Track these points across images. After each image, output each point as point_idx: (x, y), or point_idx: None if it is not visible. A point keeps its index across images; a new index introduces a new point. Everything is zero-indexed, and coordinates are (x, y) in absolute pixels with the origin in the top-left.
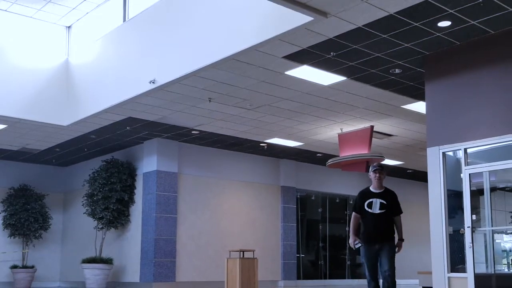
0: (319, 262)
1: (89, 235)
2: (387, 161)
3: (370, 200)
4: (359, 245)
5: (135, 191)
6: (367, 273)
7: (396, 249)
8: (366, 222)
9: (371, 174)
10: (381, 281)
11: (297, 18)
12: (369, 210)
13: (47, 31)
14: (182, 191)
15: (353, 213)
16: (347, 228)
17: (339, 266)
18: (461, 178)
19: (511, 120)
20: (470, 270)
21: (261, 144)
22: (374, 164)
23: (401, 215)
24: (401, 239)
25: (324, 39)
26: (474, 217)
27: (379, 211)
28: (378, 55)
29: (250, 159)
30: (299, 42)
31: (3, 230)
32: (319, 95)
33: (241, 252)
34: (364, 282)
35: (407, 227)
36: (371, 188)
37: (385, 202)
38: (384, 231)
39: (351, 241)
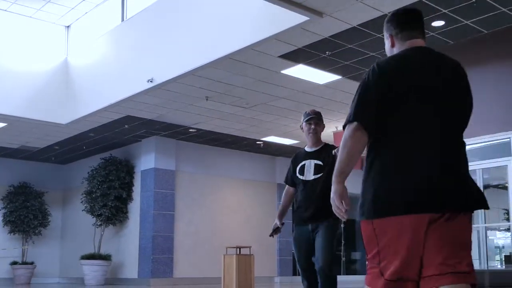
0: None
1: (87, 231)
2: None
3: (303, 163)
4: (276, 230)
5: (133, 188)
6: (298, 267)
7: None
8: (298, 195)
9: (304, 126)
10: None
11: (293, 18)
12: (301, 177)
13: (46, 31)
14: (180, 188)
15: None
16: (342, 225)
17: (335, 262)
18: None
19: (504, 118)
20: None
21: (257, 142)
22: (307, 112)
23: None
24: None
25: (320, 39)
26: None
27: (313, 177)
28: (373, 54)
29: (246, 157)
30: (295, 41)
31: (3, 227)
32: (315, 94)
33: (238, 249)
34: (360, 278)
35: None
36: (306, 148)
37: (321, 163)
38: (320, 204)
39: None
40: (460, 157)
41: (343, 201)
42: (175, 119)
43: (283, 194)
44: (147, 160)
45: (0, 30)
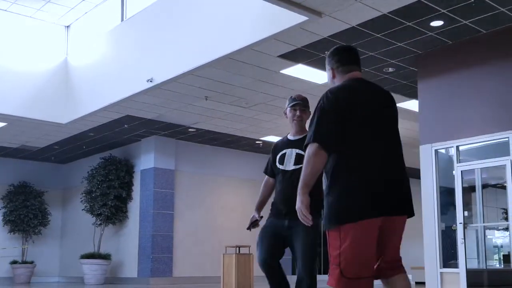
0: None
1: (87, 231)
2: None
3: (283, 151)
4: (254, 223)
5: (133, 187)
6: (258, 263)
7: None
8: (277, 186)
9: (288, 112)
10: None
11: (292, 18)
12: (280, 167)
13: (46, 31)
14: (179, 188)
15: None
16: None
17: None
18: (453, 175)
19: (502, 118)
20: (462, 265)
21: (256, 142)
22: (292, 97)
23: None
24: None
25: (319, 39)
26: (466, 213)
27: (293, 167)
28: (372, 54)
29: (246, 156)
30: (294, 41)
31: (3, 226)
32: (314, 94)
33: (237, 248)
34: None
35: None
36: (288, 136)
37: (303, 153)
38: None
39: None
40: (403, 172)
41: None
42: (175, 118)
43: (262, 185)
44: (147, 159)
45: (0, 30)
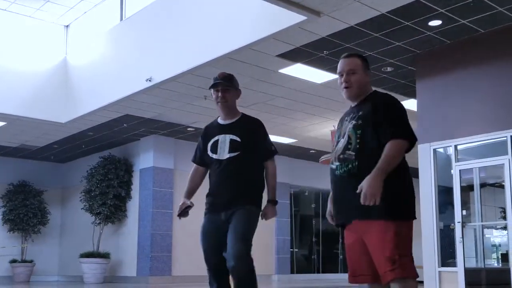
0: (312, 257)
1: (86, 230)
2: None
3: (215, 138)
4: (186, 209)
5: (132, 187)
6: (206, 266)
7: (262, 216)
8: (211, 177)
9: (212, 93)
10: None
11: (290, 17)
12: (214, 156)
13: (45, 30)
14: (178, 187)
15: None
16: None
17: (332, 260)
18: (452, 174)
19: (500, 117)
20: (460, 264)
21: None
22: (215, 76)
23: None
24: (272, 201)
25: (317, 38)
26: (464, 212)
27: (228, 155)
28: (370, 53)
29: None
30: (292, 41)
31: (3, 225)
32: (312, 93)
33: None
34: None
35: None
36: (218, 120)
37: (238, 139)
38: (236, 188)
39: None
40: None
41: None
42: (174, 118)
43: (189, 176)
44: (146, 158)
45: None
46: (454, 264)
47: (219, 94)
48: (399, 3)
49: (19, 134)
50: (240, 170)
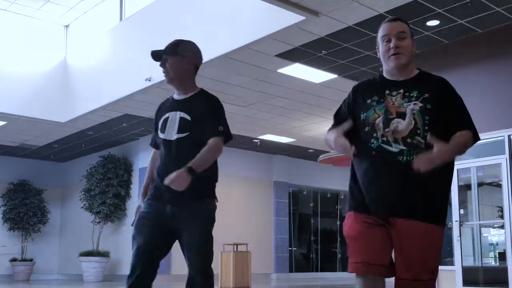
0: (311, 255)
1: (86, 229)
2: None
3: (166, 115)
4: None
5: (131, 186)
6: (131, 261)
7: (167, 179)
8: (158, 160)
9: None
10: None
11: (289, 18)
12: (162, 135)
13: (45, 30)
14: None
15: None
16: (338, 222)
17: (330, 259)
18: None
19: (498, 117)
20: (458, 263)
21: (254, 140)
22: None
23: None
24: (189, 169)
25: (316, 38)
26: (462, 211)
27: (176, 136)
28: (368, 53)
29: (243, 155)
30: (291, 40)
31: (3, 224)
32: (311, 93)
33: (235, 246)
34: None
35: None
36: (174, 95)
37: (188, 118)
38: None
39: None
40: None
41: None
42: None
43: (149, 162)
44: (145, 158)
45: (0, 30)
46: (451, 263)
47: (167, 65)
48: (397, 3)
49: (19, 134)
50: (189, 154)
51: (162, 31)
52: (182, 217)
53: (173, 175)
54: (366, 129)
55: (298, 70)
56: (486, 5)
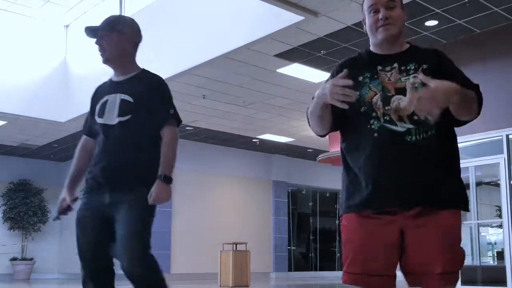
0: (310, 255)
1: None
2: None
3: (105, 98)
4: (66, 210)
5: None
6: (80, 261)
7: (150, 197)
8: (96, 147)
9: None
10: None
11: (288, 18)
12: (100, 120)
13: (45, 30)
14: (177, 185)
15: None
16: (337, 222)
17: (329, 258)
18: None
19: (496, 116)
20: None
21: (253, 140)
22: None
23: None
24: (164, 177)
25: (315, 38)
26: None
27: (117, 120)
28: None
29: (243, 154)
30: (290, 40)
31: (3, 223)
32: (310, 93)
33: (234, 245)
34: None
35: None
36: (112, 76)
37: (130, 100)
38: (125, 164)
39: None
40: None
41: None
42: None
43: (77, 150)
44: None
45: (0, 30)
46: None
47: (104, 44)
48: None
49: (20, 133)
50: (130, 139)
51: (161, 32)
52: (119, 205)
53: (153, 194)
54: (362, 109)
55: (297, 70)
56: (484, 5)
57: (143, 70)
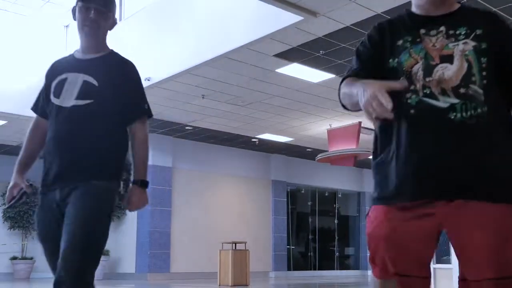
0: (309, 254)
1: None
2: None
3: (63, 76)
4: (21, 196)
5: (131, 185)
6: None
7: (125, 204)
8: (48, 132)
9: (77, 13)
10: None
11: (287, 18)
12: (55, 101)
13: (46, 30)
14: (177, 185)
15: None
16: (336, 221)
17: (328, 257)
18: None
19: None
20: (454, 261)
21: (252, 140)
22: None
23: None
24: (140, 182)
25: (314, 38)
26: None
27: (74, 102)
28: None
29: (242, 154)
30: (289, 40)
31: (3, 222)
32: (309, 92)
33: (233, 244)
34: (353, 273)
35: None
36: (75, 52)
37: (95, 83)
38: (77, 151)
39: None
40: None
41: None
42: (172, 117)
43: (29, 131)
44: None
45: (0, 30)
46: (448, 261)
47: (91, 14)
48: (395, 3)
49: (20, 133)
50: (88, 125)
51: (161, 32)
52: (70, 196)
53: (131, 201)
54: (399, 80)
55: (296, 70)
56: (483, 5)
57: (113, 51)
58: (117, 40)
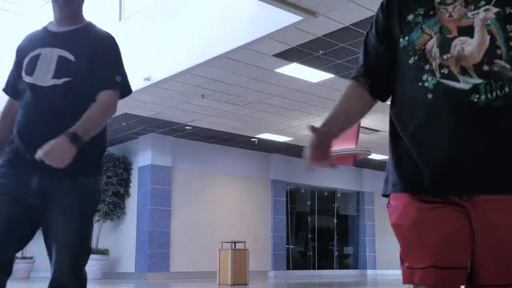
0: (308, 253)
1: None
2: (375, 156)
3: (36, 51)
4: None
5: (131, 184)
6: None
7: (40, 152)
8: (20, 113)
9: None
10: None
11: (287, 18)
12: (28, 79)
13: None
14: (176, 184)
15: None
16: (335, 220)
17: (327, 256)
18: None
19: None
20: None
21: (252, 139)
22: None
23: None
24: (72, 134)
25: (313, 38)
26: None
27: (52, 82)
28: None
29: (241, 153)
30: (288, 40)
31: None
32: (308, 92)
33: (233, 244)
34: (352, 272)
35: None
36: (48, 25)
37: (71, 58)
38: (54, 132)
39: None
40: None
41: None
42: (172, 116)
43: (1, 116)
44: (144, 157)
45: (0, 30)
46: None
47: None
48: None
49: None
50: (67, 109)
51: (161, 32)
52: (52, 195)
53: (49, 145)
54: (412, 60)
55: (295, 70)
56: None
57: (90, 22)
58: (116, 40)
